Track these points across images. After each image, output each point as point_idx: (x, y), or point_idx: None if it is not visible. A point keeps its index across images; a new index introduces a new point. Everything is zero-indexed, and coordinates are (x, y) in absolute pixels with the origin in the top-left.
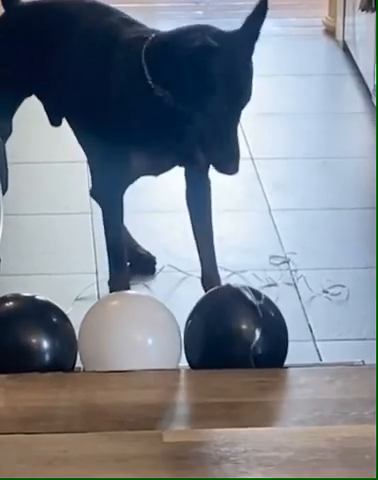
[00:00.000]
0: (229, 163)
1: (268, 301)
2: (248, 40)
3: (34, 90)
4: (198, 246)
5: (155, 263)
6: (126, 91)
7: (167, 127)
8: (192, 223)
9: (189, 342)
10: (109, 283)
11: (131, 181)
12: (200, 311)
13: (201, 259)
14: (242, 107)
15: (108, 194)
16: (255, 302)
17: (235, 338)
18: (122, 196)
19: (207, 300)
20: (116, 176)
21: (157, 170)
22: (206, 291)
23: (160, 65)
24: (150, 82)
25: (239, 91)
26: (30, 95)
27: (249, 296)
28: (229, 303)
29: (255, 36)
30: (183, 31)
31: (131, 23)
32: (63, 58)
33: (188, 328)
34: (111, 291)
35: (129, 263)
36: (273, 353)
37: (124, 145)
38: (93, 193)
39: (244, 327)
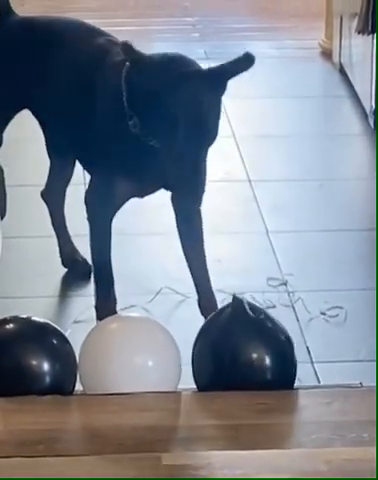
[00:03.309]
0: (189, 193)
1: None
2: (220, 79)
3: (26, 105)
4: (191, 271)
5: (91, 271)
6: (107, 113)
7: (147, 152)
8: (184, 250)
9: (197, 365)
10: (96, 308)
11: (119, 204)
12: (206, 335)
13: (196, 284)
14: (207, 144)
15: (99, 216)
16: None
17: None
18: (111, 220)
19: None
20: (105, 198)
21: (142, 192)
22: (203, 314)
23: (134, 93)
24: (126, 108)
25: (204, 128)
26: (22, 109)
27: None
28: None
29: (229, 76)
30: (160, 60)
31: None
32: (53, 74)
33: (196, 351)
34: (98, 317)
35: (66, 269)
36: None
37: (106, 168)
38: (87, 198)
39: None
